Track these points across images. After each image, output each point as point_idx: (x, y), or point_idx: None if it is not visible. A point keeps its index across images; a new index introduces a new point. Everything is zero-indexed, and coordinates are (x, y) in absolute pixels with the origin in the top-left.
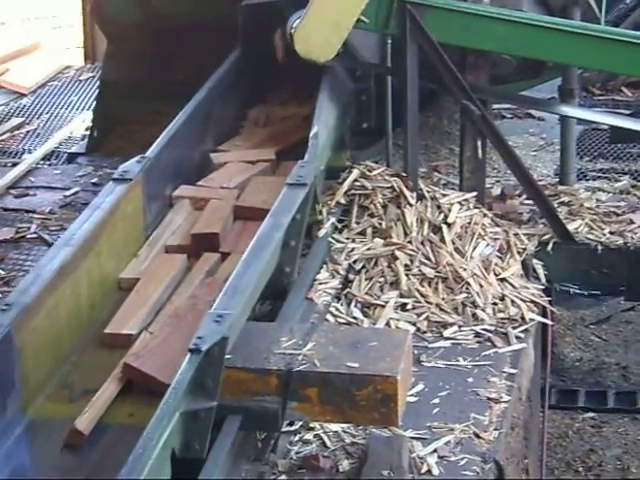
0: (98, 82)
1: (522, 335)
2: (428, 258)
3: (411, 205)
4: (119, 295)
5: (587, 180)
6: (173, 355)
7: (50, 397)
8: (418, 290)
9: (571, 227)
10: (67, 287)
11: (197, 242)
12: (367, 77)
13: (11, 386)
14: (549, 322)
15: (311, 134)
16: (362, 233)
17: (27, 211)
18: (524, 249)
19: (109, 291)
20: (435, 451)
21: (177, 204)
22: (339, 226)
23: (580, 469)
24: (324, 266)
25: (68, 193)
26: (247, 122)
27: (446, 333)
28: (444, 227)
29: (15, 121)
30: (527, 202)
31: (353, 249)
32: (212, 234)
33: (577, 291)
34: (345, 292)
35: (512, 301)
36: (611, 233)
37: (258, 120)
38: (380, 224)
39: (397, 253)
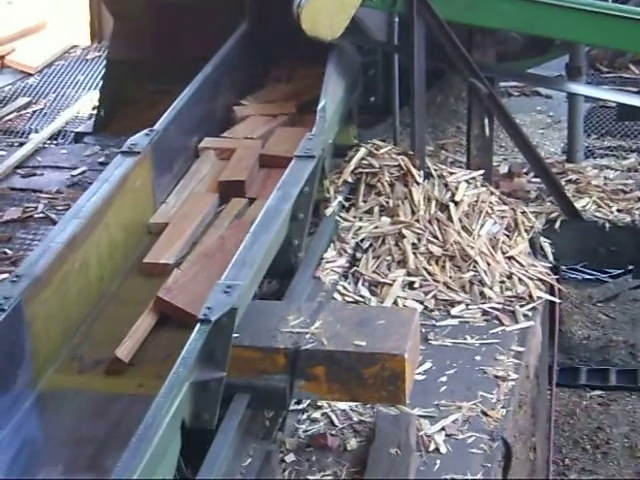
0: (105, 61)
1: (530, 313)
2: (435, 236)
3: (418, 183)
4: (148, 239)
5: (595, 158)
6: (202, 291)
7: (60, 369)
8: (425, 268)
9: (579, 205)
10: (76, 259)
11: (224, 189)
12: (375, 51)
13: (21, 358)
14: (557, 300)
15: (319, 107)
16: (369, 211)
17: (34, 191)
18: (531, 227)
19: (118, 263)
20: (443, 429)
21: (203, 155)
22: (346, 204)
23: (588, 447)
24: (331, 245)
25: (75, 172)
26: (269, 79)
27: (454, 311)
28: (451, 205)
29: (22, 101)
30: (534, 180)
31: (360, 227)
32: (238, 181)
33: (584, 276)
34: (352, 271)
35: (520, 279)
36: (619, 211)
37: (280, 77)
38: (387, 202)
39: (404, 231)
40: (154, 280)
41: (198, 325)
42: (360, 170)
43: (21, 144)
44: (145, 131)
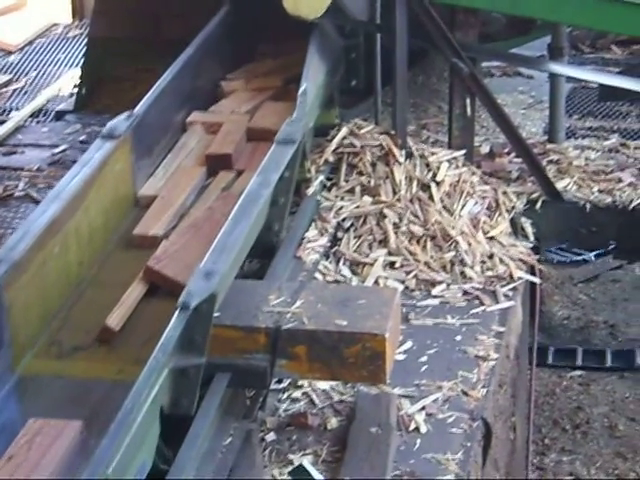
0: (86, 39)
1: (510, 293)
2: (417, 216)
3: (400, 163)
4: (137, 211)
5: (576, 138)
6: (192, 260)
7: (39, 354)
8: (407, 248)
9: (560, 185)
10: (56, 244)
11: (211, 163)
12: (356, 34)
13: (0, 343)
14: (537, 280)
15: (299, 91)
16: (351, 191)
17: (15, 169)
18: (513, 207)
19: (98, 247)
20: (423, 409)
21: (190, 129)
22: (328, 184)
23: (567, 427)
24: (313, 224)
25: (56, 151)
26: (255, 54)
27: (434, 291)
28: (433, 185)
29: (2, 78)
30: (516, 160)
31: (342, 207)
32: (226, 155)
33: (561, 259)
34: (334, 250)
35: (500, 259)
36: (600, 191)
37: (266, 52)
38: (369, 182)
39: (386, 211)
40: (134, 262)
41: (177, 311)
42: (342, 150)
43: (2, 122)
44: (125, 115)
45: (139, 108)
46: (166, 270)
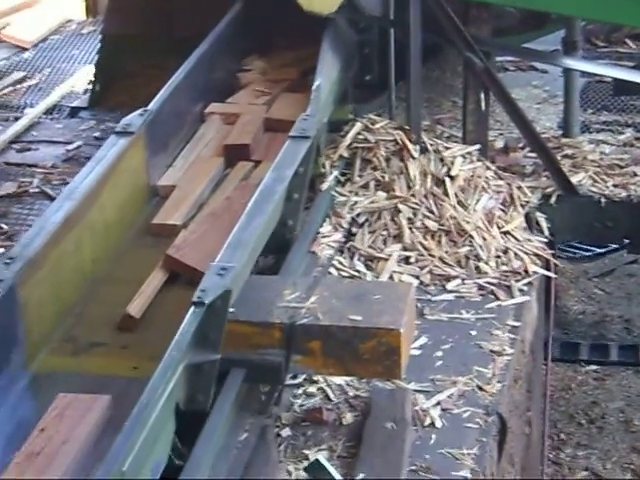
0: (100, 36)
1: (525, 288)
2: (431, 211)
3: (414, 158)
4: (156, 201)
5: (590, 133)
6: (211, 249)
7: (54, 350)
8: (421, 243)
9: (574, 180)
10: (70, 240)
11: (229, 153)
12: (370, 29)
13: (15, 340)
14: (552, 275)
15: (313, 87)
16: (365, 186)
17: (29, 165)
18: (527, 202)
19: (113, 244)
20: (438, 404)
21: (208, 120)
22: (342, 179)
23: (583, 421)
24: (327, 219)
25: (70, 147)
26: (270, 49)
27: (449, 286)
28: (447, 180)
29: (17, 75)
30: (530, 155)
31: (356, 202)
32: (244, 145)
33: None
34: (348, 245)
35: (515, 254)
36: (614, 186)
37: (280, 46)
38: (383, 177)
39: (400, 206)
40: (150, 256)
41: (192, 308)
42: (356, 145)
43: (16, 119)
44: (139, 111)
45: (153, 104)
46: (186, 258)
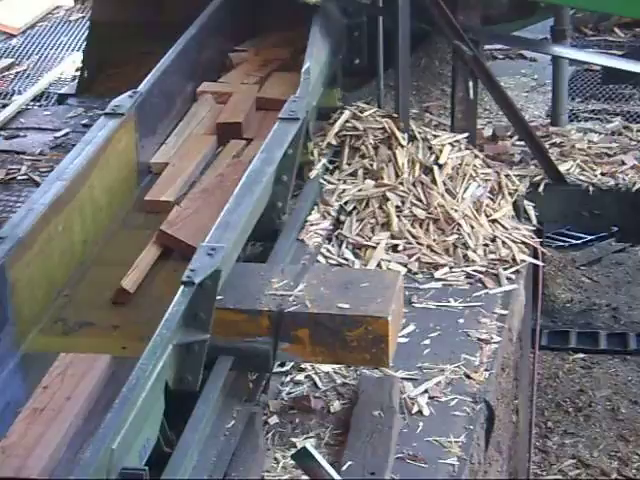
0: (88, 22)
1: (513, 276)
2: (419, 199)
3: (402, 146)
4: (146, 181)
5: (579, 121)
6: (203, 225)
7: (44, 330)
8: (409, 231)
9: (562, 168)
10: (60, 222)
11: (222, 131)
12: (360, 13)
13: (4, 320)
14: (540, 263)
15: (303, 69)
16: (353, 174)
17: (17, 152)
18: (515, 190)
19: (102, 225)
20: (426, 392)
21: (200, 98)
22: (330, 167)
23: (570, 409)
24: (315, 207)
25: (58, 134)
26: (260, 30)
27: (437, 274)
28: (435, 168)
29: (4, 62)
30: (518, 143)
31: (344, 190)
32: (236, 123)
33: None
34: (336, 233)
35: (503, 242)
36: (602, 174)
37: (270, 28)
38: (371, 165)
39: (388, 194)
40: (139, 238)
41: (182, 287)
42: (344, 133)
43: (4, 106)
44: (129, 93)
45: (143, 85)
46: (179, 234)
